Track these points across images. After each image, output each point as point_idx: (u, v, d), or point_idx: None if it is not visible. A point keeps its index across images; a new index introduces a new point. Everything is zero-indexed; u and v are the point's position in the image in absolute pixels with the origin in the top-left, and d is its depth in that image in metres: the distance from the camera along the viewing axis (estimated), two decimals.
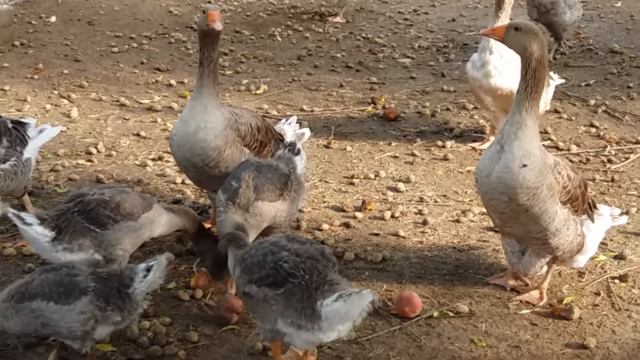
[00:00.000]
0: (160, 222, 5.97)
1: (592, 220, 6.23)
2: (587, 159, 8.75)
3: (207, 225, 6.95)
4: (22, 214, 5.58)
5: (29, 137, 6.69)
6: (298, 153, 6.52)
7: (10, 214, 5.57)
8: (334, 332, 4.85)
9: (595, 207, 6.32)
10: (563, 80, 9.70)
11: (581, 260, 6.28)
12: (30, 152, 6.65)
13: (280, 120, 7.90)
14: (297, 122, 7.63)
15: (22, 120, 6.94)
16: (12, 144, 6.47)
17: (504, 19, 8.33)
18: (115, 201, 5.75)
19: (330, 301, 4.77)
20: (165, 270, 5.18)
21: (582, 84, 10.93)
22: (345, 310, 4.75)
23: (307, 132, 7.59)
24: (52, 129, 7.11)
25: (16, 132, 6.57)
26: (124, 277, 5.13)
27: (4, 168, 6.34)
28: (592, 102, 10.29)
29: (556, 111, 9.95)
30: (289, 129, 7.41)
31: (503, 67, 8.44)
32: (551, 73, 9.20)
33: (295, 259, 4.95)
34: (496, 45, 8.40)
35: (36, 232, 5.54)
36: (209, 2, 14.14)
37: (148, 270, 5.12)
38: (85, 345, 5.06)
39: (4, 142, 6.43)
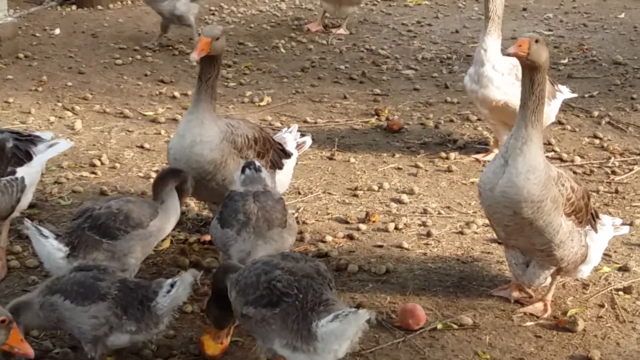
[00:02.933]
0: (167, 227, 6.08)
1: (595, 230, 6.22)
2: (591, 171, 8.74)
3: (209, 237, 6.97)
4: (39, 227, 5.59)
5: (34, 154, 6.60)
6: (260, 170, 6.31)
7: (28, 224, 5.55)
8: (330, 353, 4.82)
9: (597, 217, 6.31)
10: (575, 95, 9.69)
11: (585, 271, 6.27)
12: (27, 171, 6.48)
13: (281, 129, 7.91)
14: (297, 131, 7.64)
15: (35, 134, 6.84)
16: (0, 165, 6.35)
17: (493, 30, 8.35)
18: (123, 212, 5.81)
19: (326, 322, 4.74)
20: (190, 287, 5.19)
21: (586, 96, 10.92)
22: (341, 330, 4.73)
23: (308, 140, 7.62)
24: (62, 144, 6.99)
25: (16, 151, 6.46)
26: (149, 290, 5.19)
27: None
28: (596, 113, 10.28)
29: (560, 122, 9.94)
30: (290, 137, 7.42)
31: (497, 79, 8.44)
32: (561, 86, 9.20)
33: (289, 278, 4.94)
34: (489, 57, 8.41)
35: (52, 245, 5.57)
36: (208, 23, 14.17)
37: (172, 285, 5.14)
38: (94, 350, 5.10)
39: None
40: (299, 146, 7.47)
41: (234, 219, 5.89)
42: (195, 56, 6.39)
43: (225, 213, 5.99)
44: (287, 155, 7.14)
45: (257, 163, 6.39)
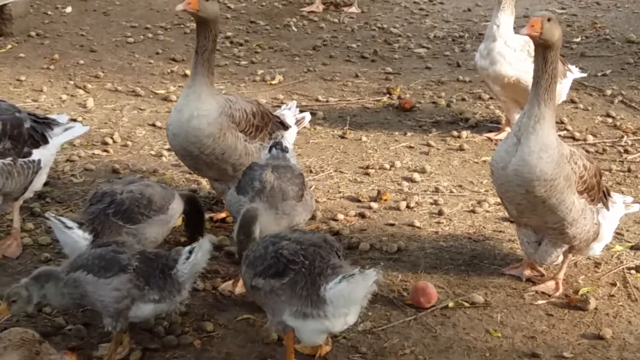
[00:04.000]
0: (180, 209, 6.11)
1: (607, 208, 6.21)
2: (604, 149, 8.72)
3: (222, 215, 6.99)
4: (63, 219, 5.59)
5: (50, 137, 6.60)
6: (287, 151, 6.37)
7: (52, 217, 5.55)
8: (340, 317, 4.84)
9: (609, 194, 6.30)
10: (584, 75, 9.64)
11: (597, 248, 6.27)
12: (42, 153, 6.50)
13: (282, 105, 7.94)
14: (297, 107, 7.66)
15: (51, 117, 6.84)
16: (17, 144, 6.34)
17: (507, 7, 8.32)
18: (146, 197, 5.86)
19: (333, 284, 4.78)
20: (208, 253, 5.22)
21: (599, 74, 10.87)
22: (349, 291, 4.76)
23: (307, 116, 7.65)
24: (78, 128, 6.98)
25: (33, 132, 6.49)
26: (169, 259, 5.23)
27: None
28: (609, 92, 10.24)
29: (572, 101, 9.91)
30: (289, 114, 7.45)
31: (509, 55, 8.42)
32: (570, 65, 9.16)
33: (295, 247, 4.97)
34: (501, 32, 8.39)
35: (77, 235, 5.56)
36: None
37: (191, 252, 5.19)
38: (116, 323, 5.14)
39: (7, 143, 6.31)
40: (298, 122, 7.49)
41: (250, 186, 5.90)
42: (180, 6, 6.36)
43: (242, 181, 6.02)
44: (286, 127, 7.15)
45: (285, 143, 6.41)
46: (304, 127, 8.04)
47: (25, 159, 6.37)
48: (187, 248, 5.23)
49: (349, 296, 4.79)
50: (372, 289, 4.82)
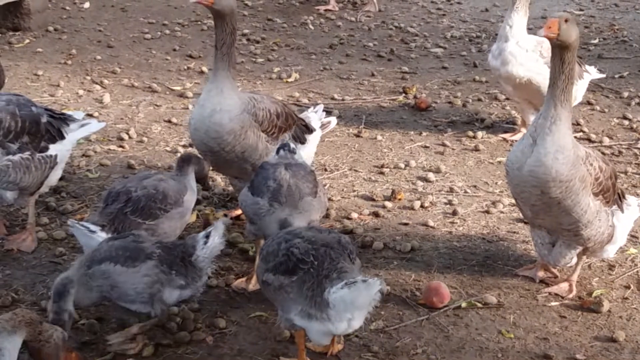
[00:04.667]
0: (193, 199, 6.17)
1: (622, 210, 6.19)
2: (620, 152, 8.68)
3: (238, 212, 7.00)
4: (85, 224, 5.60)
5: (66, 133, 6.61)
6: (294, 152, 6.28)
7: (75, 224, 5.54)
8: (343, 321, 4.82)
9: (624, 197, 6.28)
10: (603, 75, 9.60)
11: (611, 251, 6.26)
12: (59, 148, 6.52)
13: (308, 107, 7.90)
14: (324, 110, 7.62)
15: (68, 114, 6.85)
16: (35, 139, 6.37)
17: (521, 7, 8.30)
18: (161, 192, 5.88)
19: (336, 288, 4.74)
20: (224, 235, 5.30)
21: (616, 76, 10.83)
22: (351, 298, 4.72)
23: (333, 120, 7.59)
24: (94, 125, 6.98)
25: (50, 127, 6.50)
26: (187, 247, 5.31)
27: (12, 159, 6.26)
28: (626, 94, 10.20)
29: (589, 103, 9.88)
30: (315, 117, 7.40)
31: (520, 55, 8.40)
32: (588, 66, 9.12)
33: (307, 246, 4.95)
34: (513, 33, 8.37)
35: (102, 238, 5.56)
36: None
37: (207, 237, 5.26)
38: (154, 308, 5.20)
39: (25, 137, 6.34)
40: (323, 126, 7.44)
41: (265, 186, 5.82)
42: None
43: (256, 181, 5.94)
44: (310, 130, 7.13)
45: (292, 145, 6.35)
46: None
47: (42, 154, 6.39)
48: (202, 233, 5.31)
49: (351, 302, 4.75)
50: (376, 297, 4.77)
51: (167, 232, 5.86)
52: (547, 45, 8.30)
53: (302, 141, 6.97)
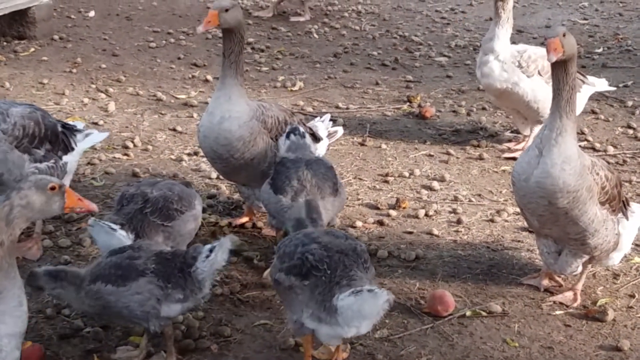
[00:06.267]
0: (200, 205, 6.18)
1: (627, 218, 6.20)
2: (624, 160, 8.69)
3: (243, 220, 7.01)
4: (106, 222, 5.61)
5: (75, 145, 6.65)
6: (304, 136, 6.40)
7: (98, 222, 5.54)
8: (351, 328, 4.83)
9: (628, 204, 6.28)
10: (613, 89, 9.56)
11: (616, 258, 6.26)
12: (69, 159, 6.58)
13: (314, 117, 7.92)
14: (330, 120, 7.65)
15: (71, 123, 6.89)
16: (53, 148, 6.43)
17: (505, 19, 8.32)
18: (176, 194, 5.91)
19: (344, 296, 4.76)
20: (229, 253, 5.18)
21: (620, 85, 10.83)
22: (357, 306, 4.73)
23: (340, 130, 7.60)
24: (98, 135, 7.04)
25: (63, 137, 6.53)
26: (188, 257, 5.19)
27: (39, 167, 6.32)
28: (630, 103, 10.21)
29: (593, 112, 9.89)
30: (322, 126, 7.42)
31: (498, 68, 8.40)
32: (592, 78, 9.09)
33: (322, 253, 4.95)
34: (495, 46, 8.37)
35: (122, 236, 5.57)
36: None
37: (211, 251, 5.16)
38: (153, 324, 5.11)
39: (46, 145, 6.39)
40: (330, 135, 7.47)
41: (288, 186, 5.96)
42: (200, 28, 6.39)
43: (279, 180, 6.03)
44: (317, 139, 7.15)
45: (302, 129, 6.44)
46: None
47: (60, 162, 6.47)
48: (208, 246, 5.20)
49: (357, 311, 4.76)
50: (384, 307, 4.77)
51: (183, 235, 5.87)
52: (527, 56, 8.40)
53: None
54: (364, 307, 4.74)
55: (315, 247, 4.99)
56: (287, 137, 6.37)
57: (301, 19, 13.57)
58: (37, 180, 4.40)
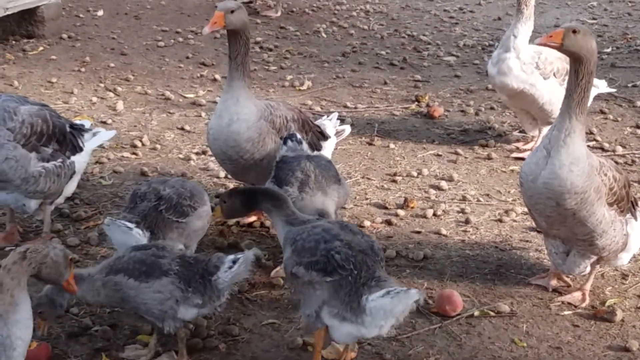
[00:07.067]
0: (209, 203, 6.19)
1: (635, 218, 6.19)
2: (633, 161, 8.67)
3: (252, 219, 7.01)
4: (122, 221, 5.59)
5: (83, 144, 6.65)
6: (301, 142, 6.47)
7: (114, 221, 5.52)
8: (376, 327, 4.84)
9: (637, 204, 6.27)
10: (613, 90, 9.55)
11: (625, 258, 6.25)
12: (77, 159, 6.59)
13: (322, 116, 7.93)
14: (338, 119, 7.66)
15: (78, 122, 6.90)
16: (61, 148, 6.44)
17: (527, 17, 8.30)
18: (189, 190, 5.93)
19: (376, 297, 4.77)
20: (251, 266, 5.18)
21: (629, 85, 10.82)
22: (391, 307, 4.76)
23: (347, 128, 7.62)
24: (105, 133, 7.03)
25: (71, 137, 6.53)
26: (210, 265, 5.19)
27: (46, 167, 6.32)
28: (639, 103, 10.19)
29: (602, 112, 9.88)
30: (329, 125, 7.43)
31: (517, 67, 8.34)
32: (597, 80, 9.07)
33: (347, 252, 4.95)
34: (516, 44, 8.32)
35: (138, 234, 5.58)
36: None
37: (234, 262, 5.16)
38: (168, 325, 5.12)
39: (55, 144, 6.39)
40: (337, 133, 7.49)
41: (293, 177, 6.04)
42: (206, 29, 6.41)
43: (281, 174, 6.12)
44: (326, 137, 7.16)
45: (299, 135, 6.51)
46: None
47: (68, 162, 6.48)
48: (231, 257, 5.20)
49: (389, 311, 4.78)
50: (412, 307, 4.80)
51: (197, 231, 5.89)
52: (544, 57, 8.33)
53: (318, 148, 7.01)
54: (397, 306, 4.77)
55: (338, 244, 4.98)
56: (285, 143, 6.46)
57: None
58: (66, 249, 4.71)
